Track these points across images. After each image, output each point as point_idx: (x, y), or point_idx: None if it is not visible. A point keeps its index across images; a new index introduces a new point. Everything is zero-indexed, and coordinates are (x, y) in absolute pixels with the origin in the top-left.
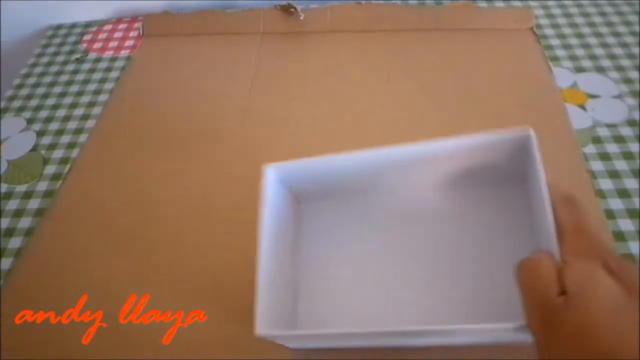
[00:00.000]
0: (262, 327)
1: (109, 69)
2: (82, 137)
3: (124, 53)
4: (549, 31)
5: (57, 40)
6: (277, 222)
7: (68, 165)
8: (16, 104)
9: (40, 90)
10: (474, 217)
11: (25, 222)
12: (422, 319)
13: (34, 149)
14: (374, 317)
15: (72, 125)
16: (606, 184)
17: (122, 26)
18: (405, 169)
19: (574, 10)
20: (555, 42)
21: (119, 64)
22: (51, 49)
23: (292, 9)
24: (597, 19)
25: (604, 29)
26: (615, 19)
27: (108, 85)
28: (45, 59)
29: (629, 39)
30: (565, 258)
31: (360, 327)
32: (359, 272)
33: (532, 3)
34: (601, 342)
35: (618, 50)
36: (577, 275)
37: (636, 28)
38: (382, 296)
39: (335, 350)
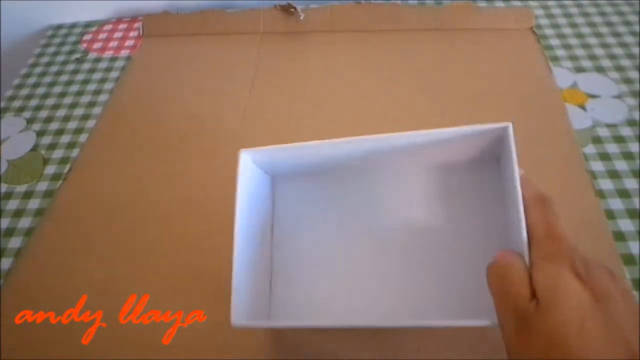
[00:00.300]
0: (239, 317)
1: (109, 69)
2: (82, 137)
3: (124, 53)
4: (549, 31)
5: (57, 40)
6: (253, 208)
7: (68, 165)
8: (16, 104)
9: (40, 90)
10: (450, 207)
11: (25, 222)
12: (394, 302)
13: (34, 149)
14: (348, 294)
15: (72, 125)
16: (606, 184)
17: (122, 26)
18: (383, 158)
19: (574, 10)
20: (555, 42)
21: (119, 64)
22: (51, 49)
23: (292, 9)
24: (597, 19)
25: (604, 29)
26: (615, 19)
27: (108, 85)
28: (45, 59)
29: (629, 39)
30: (534, 261)
31: (333, 306)
32: (332, 253)
33: (532, 3)
34: (569, 355)
35: (618, 50)
36: (546, 279)
37: (636, 28)
38: (355, 273)
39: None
